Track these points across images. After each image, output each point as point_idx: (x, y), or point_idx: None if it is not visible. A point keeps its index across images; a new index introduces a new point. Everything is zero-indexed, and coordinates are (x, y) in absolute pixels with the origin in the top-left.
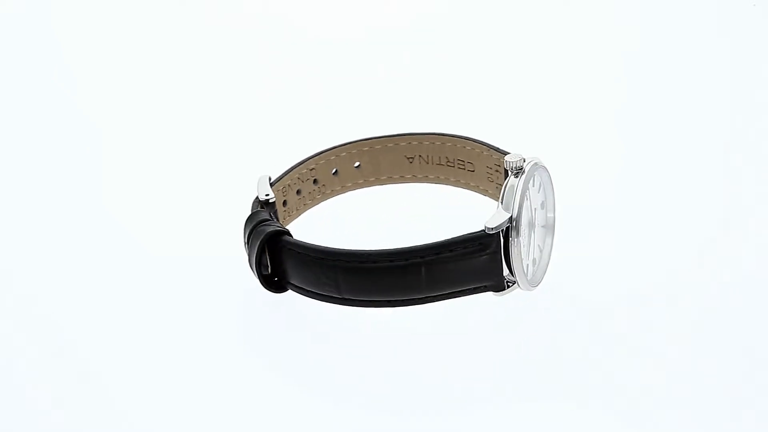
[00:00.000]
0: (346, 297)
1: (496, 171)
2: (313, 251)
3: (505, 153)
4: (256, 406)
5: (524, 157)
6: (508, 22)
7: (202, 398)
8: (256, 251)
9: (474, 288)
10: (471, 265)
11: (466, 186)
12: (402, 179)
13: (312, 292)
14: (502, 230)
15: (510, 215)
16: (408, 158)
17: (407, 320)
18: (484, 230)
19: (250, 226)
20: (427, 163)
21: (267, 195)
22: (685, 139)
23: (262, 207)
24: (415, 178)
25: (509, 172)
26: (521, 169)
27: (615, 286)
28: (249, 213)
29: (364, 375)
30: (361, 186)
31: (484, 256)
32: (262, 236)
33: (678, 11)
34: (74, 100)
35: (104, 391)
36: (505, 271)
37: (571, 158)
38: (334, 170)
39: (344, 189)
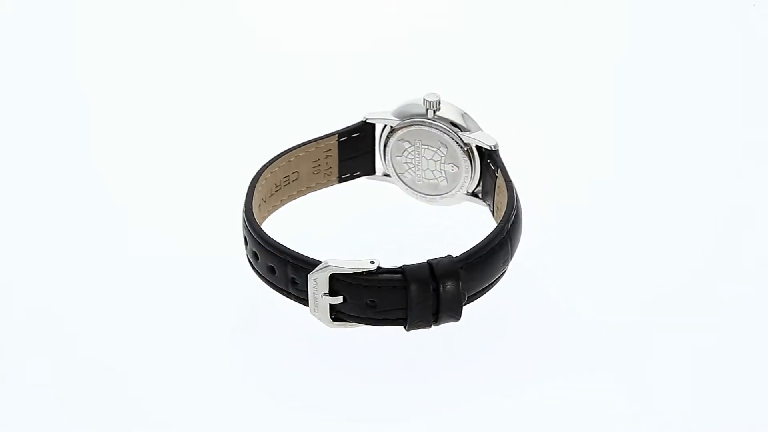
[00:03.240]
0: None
1: (327, 157)
2: (491, 239)
3: (336, 132)
4: (250, 410)
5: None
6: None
7: (197, 400)
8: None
9: None
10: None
11: (294, 197)
12: None
13: (483, 289)
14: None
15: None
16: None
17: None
18: (492, 150)
19: (425, 283)
20: (265, 201)
21: (372, 262)
22: (684, 140)
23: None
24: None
25: (429, 112)
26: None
27: (608, 287)
28: (395, 281)
29: (363, 377)
30: None
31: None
32: (456, 269)
33: (677, 11)
34: (70, 99)
35: (98, 391)
36: None
37: (566, 160)
38: None
39: None
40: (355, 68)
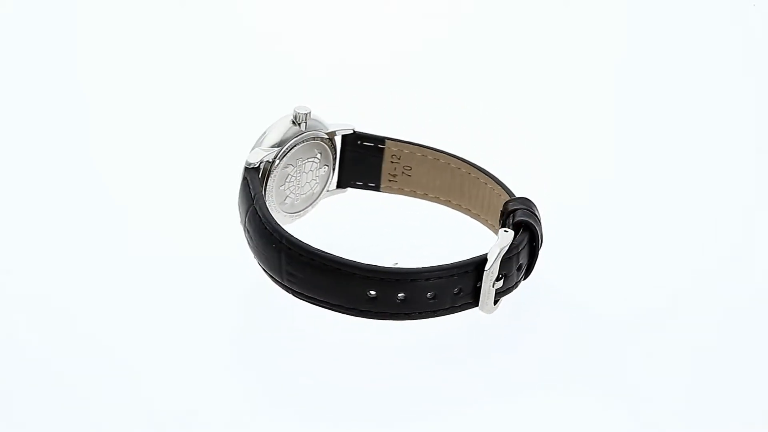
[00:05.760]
0: None
1: None
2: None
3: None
4: (250, 410)
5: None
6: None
7: (196, 400)
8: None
9: None
10: None
11: None
12: None
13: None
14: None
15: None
16: None
17: (401, 327)
18: (354, 132)
19: (538, 223)
20: None
21: (507, 230)
22: (684, 141)
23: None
24: None
25: (302, 125)
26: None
27: (607, 288)
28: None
29: (363, 377)
30: None
31: None
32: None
33: (677, 11)
34: (71, 100)
35: (98, 390)
36: None
37: (566, 161)
38: None
39: None
40: (354, 69)
